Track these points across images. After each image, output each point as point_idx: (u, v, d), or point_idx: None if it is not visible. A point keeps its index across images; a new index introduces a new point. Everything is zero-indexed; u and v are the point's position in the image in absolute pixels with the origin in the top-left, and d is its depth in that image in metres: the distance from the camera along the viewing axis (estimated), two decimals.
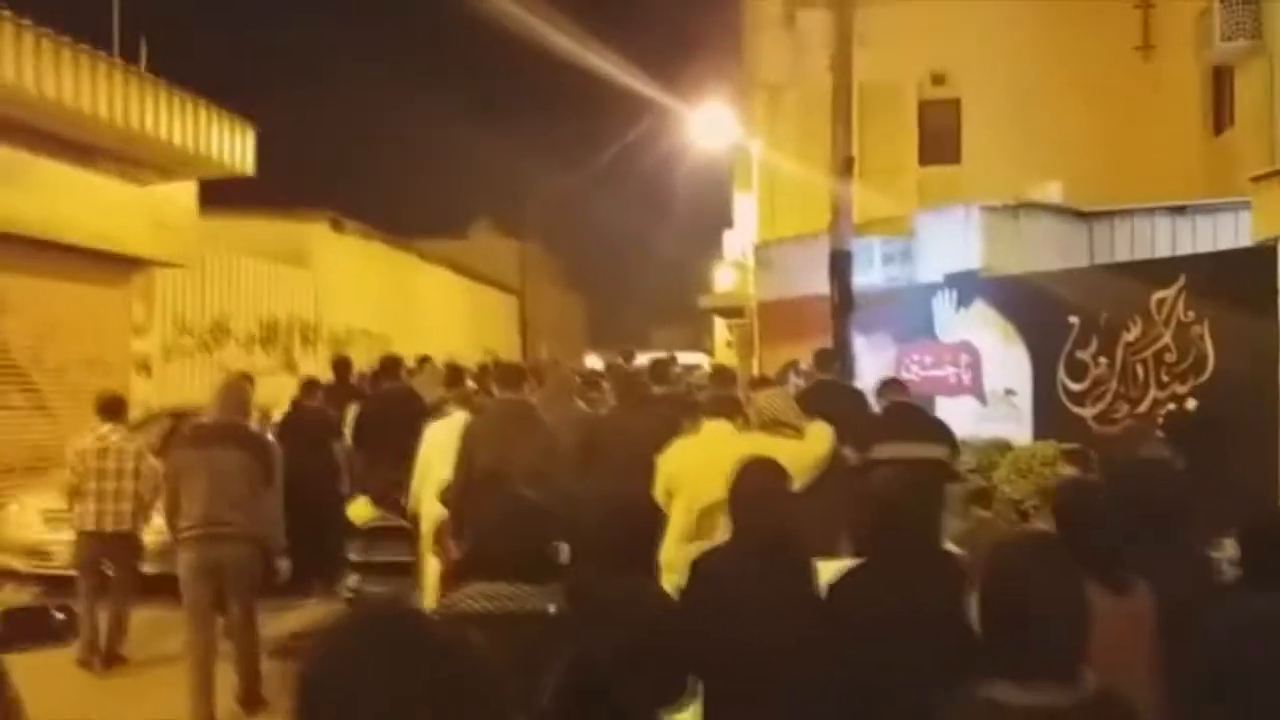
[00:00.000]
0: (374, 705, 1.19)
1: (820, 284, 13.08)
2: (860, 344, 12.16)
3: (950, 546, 4.00)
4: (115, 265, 11.55)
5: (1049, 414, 9.82)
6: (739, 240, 21.17)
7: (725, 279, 44.66)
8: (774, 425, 5.22)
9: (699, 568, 3.27)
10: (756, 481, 3.24)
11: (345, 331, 17.88)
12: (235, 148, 11.92)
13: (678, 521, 4.46)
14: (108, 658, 6.58)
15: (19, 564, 8.32)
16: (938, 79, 17.04)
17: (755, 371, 17.34)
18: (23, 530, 8.39)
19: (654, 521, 3.45)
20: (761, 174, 17.27)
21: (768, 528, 3.15)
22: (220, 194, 13.83)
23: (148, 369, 12.43)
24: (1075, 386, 9.79)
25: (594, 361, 23.64)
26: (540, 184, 29.15)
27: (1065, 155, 13.84)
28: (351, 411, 8.65)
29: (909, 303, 11.75)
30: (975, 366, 10.86)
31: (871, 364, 11.82)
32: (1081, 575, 2.10)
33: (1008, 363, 10.42)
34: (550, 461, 5.52)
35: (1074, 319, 9.62)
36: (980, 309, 10.89)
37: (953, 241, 11.23)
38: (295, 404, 9.01)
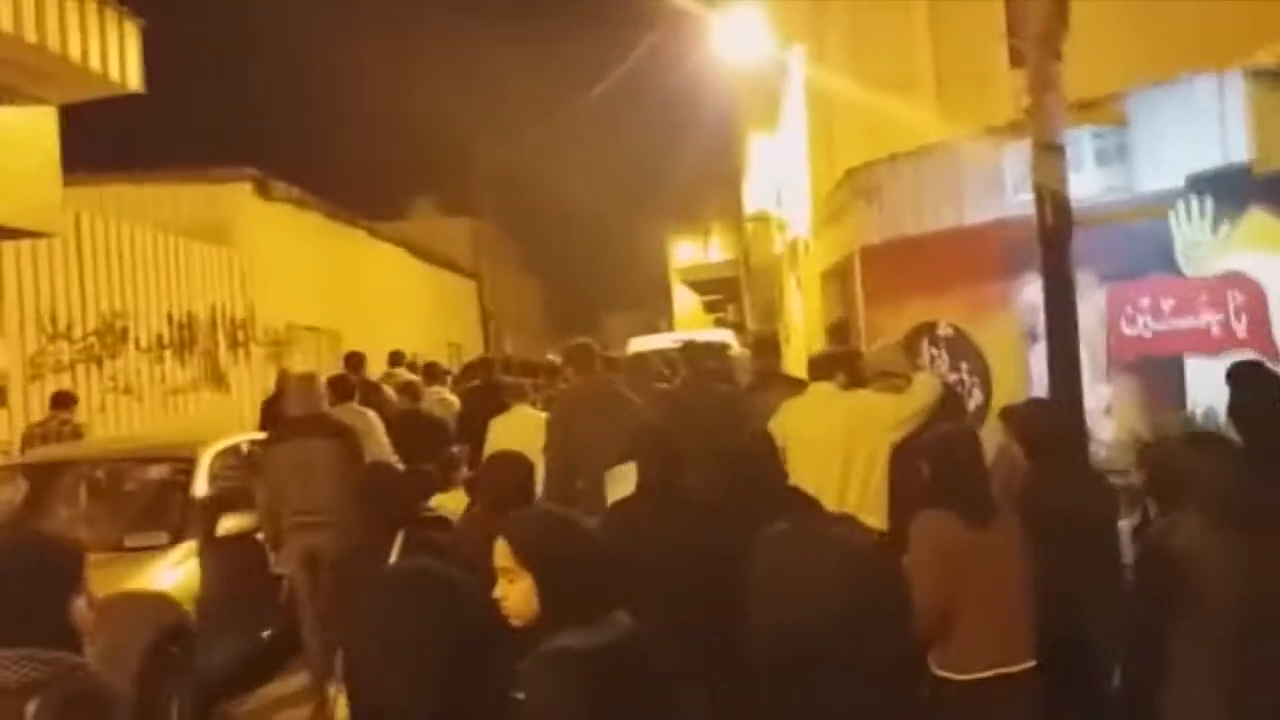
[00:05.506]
0: None
1: (964, 212, 9.55)
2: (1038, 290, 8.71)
3: None
4: None
5: None
6: (761, 189, 17.49)
7: (686, 251, 41.05)
8: (881, 378, 5.62)
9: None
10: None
11: (285, 329, 13.78)
12: (114, 50, 7.87)
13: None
14: None
15: None
16: None
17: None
18: None
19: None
20: (811, 95, 13.59)
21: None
22: (95, 142, 9.80)
23: (0, 393, 8.33)
24: None
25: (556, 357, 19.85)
26: (488, 152, 25.07)
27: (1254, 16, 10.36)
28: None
29: (1127, 222, 8.18)
30: (1256, 308, 7.36)
31: None
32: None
33: None
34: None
35: None
36: (1260, 222, 7.39)
37: (1197, 127, 7.70)
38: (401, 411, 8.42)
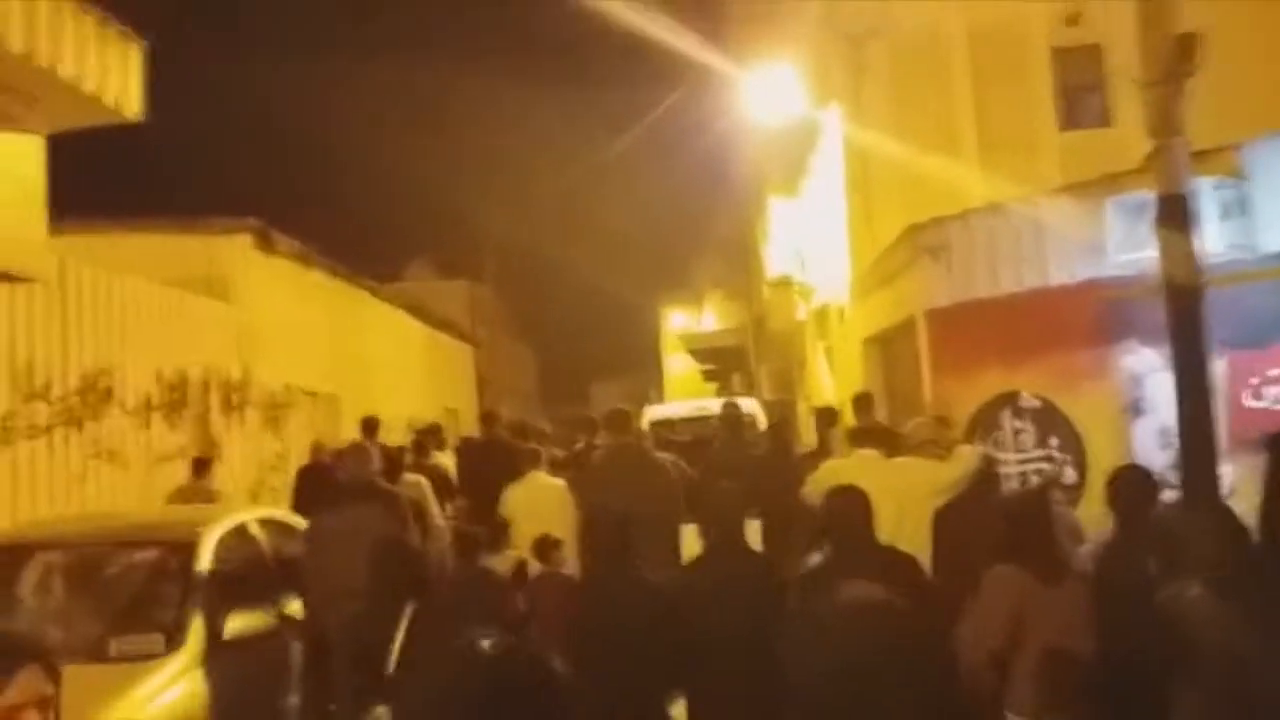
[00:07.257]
0: None
1: (1048, 273, 8.79)
2: (1149, 358, 7.87)
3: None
4: None
5: None
6: (782, 254, 16.72)
7: (680, 319, 40.15)
8: (922, 447, 5.84)
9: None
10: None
11: (284, 391, 12.74)
12: (114, 73, 6.98)
13: None
14: None
15: None
16: (1072, 19, 13.07)
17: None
18: None
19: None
20: (849, 156, 12.88)
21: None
22: (87, 184, 8.89)
23: None
24: None
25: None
26: (488, 214, 24.31)
27: None
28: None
29: (1249, 286, 7.36)
30: None
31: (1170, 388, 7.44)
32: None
33: None
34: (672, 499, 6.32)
35: None
36: None
37: None
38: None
